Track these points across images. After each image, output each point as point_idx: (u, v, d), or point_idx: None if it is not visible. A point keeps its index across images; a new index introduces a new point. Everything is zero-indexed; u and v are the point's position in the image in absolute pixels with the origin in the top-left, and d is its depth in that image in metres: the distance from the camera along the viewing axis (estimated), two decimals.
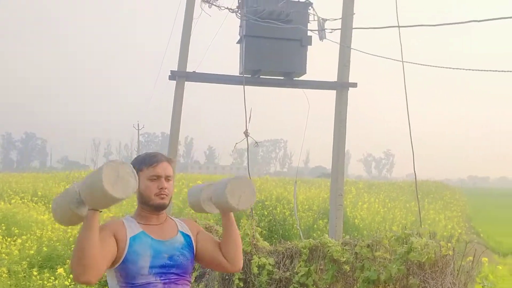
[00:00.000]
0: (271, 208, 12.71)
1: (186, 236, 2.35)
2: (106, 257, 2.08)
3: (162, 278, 2.20)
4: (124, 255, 2.15)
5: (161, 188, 2.27)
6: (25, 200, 13.57)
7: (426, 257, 3.73)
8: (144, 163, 2.32)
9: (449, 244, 3.84)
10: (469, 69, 5.41)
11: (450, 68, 5.71)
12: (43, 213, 11.51)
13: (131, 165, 2.02)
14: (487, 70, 5.19)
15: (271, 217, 12.15)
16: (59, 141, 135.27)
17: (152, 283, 2.18)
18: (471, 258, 4.02)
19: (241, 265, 2.40)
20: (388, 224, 12.40)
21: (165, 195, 2.28)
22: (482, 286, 3.90)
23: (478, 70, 5.23)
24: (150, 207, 2.28)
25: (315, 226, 12.11)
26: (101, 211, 2.04)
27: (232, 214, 2.38)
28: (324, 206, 13.37)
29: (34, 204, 12.89)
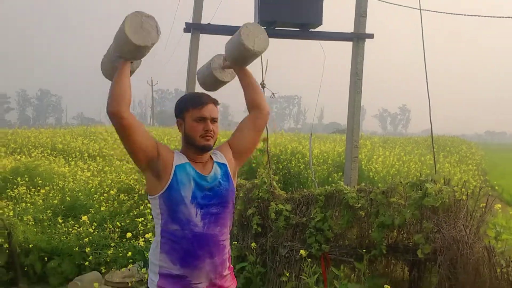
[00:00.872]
0: (286, 162, 12.81)
1: (222, 166, 2.43)
2: (138, 125, 2.21)
3: (202, 211, 2.27)
4: (169, 182, 2.25)
5: (207, 130, 2.32)
6: (45, 154, 13.82)
7: (440, 201, 3.81)
8: (190, 103, 2.36)
9: (463, 189, 3.92)
10: (489, 16, 5.32)
11: (469, 15, 5.62)
12: (64, 165, 11.75)
13: (156, 20, 2.17)
14: (506, 17, 5.10)
15: (286, 171, 12.27)
16: (74, 97, 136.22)
17: (192, 221, 2.25)
18: (484, 204, 4.09)
19: (268, 108, 2.54)
20: (403, 177, 12.44)
21: (210, 137, 2.33)
22: (495, 231, 3.98)
23: (497, 17, 5.15)
24: (196, 148, 2.34)
25: (330, 179, 12.20)
26: (132, 62, 2.29)
27: (247, 68, 2.54)
28: (339, 160, 13.41)
29: (53, 158, 13.13)
